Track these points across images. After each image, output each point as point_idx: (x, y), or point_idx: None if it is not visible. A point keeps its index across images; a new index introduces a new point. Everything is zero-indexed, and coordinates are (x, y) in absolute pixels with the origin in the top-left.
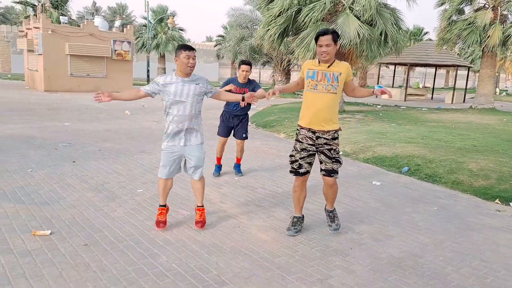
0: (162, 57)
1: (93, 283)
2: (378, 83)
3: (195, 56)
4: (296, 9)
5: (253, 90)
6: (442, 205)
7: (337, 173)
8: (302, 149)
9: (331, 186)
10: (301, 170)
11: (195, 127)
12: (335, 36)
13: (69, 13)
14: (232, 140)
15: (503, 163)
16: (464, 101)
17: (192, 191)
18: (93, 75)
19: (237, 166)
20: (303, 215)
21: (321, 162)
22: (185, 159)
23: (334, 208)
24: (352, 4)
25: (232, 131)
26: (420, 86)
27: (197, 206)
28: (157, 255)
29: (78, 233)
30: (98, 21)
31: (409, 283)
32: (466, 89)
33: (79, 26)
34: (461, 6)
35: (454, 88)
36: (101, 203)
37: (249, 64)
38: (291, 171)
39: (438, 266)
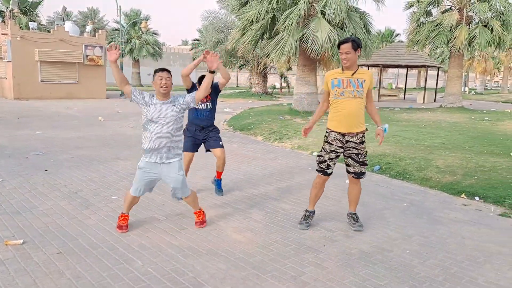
0: (137, 61)
1: None
2: None
3: (168, 77)
4: (271, 15)
5: (216, 87)
6: (411, 201)
7: (365, 174)
8: (332, 151)
9: (357, 184)
10: (329, 171)
11: (172, 145)
12: (355, 44)
13: (38, 18)
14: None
15: (469, 159)
16: (435, 101)
17: (167, 197)
18: (65, 81)
19: (218, 182)
20: (315, 210)
21: (348, 165)
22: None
23: (355, 212)
24: (324, 7)
25: (201, 146)
26: (393, 86)
27: (194, 212)
28: (132, 260)
29: (52, 242)
30: (68, 26)
31: (377, 276)
32: (436, 88)
33: (49, 31)
34: (428, 8)
35: (425, 88)
36: (75, 211)
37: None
38: (319, 171)
39: (405, 259)
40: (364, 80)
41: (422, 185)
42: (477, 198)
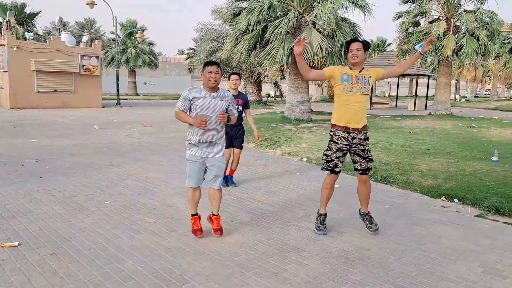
0: (133, 71)
1: (61, 287)
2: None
3: (217, 71)
4: (263, 26)
5: (246, 104)
6: (393, 204)
7: (371, 170)
8: (338, 149)
9: (365, 182)
10: (337, 169)
11: (217, 141)
12: (366, 44)
13: (35, 29)
14: None
15: (451, 163)
16: (425, 108)
17: (158, 201)
18: (61, 91)
19: (230, 178)
20: (326, 212)
21: (355, 162)
22: (206, 169)
23: (369, 211)
24: (314, 18)
25: (230, 141)
26: (386, 94)
27: (213, 215)
28: (123, 260)
29: (46, 244)
30: (65, 36)
31: (355, 272)
32: (427, 96)
33: (45, 42)
34: (416, 19)
35: (415, 96)
36: (68, 215)
37: (237, 73)
38: (326, 169)
39: (382, 257)
40: (370, 77)
41: (405, 188)
42: (456, 200)
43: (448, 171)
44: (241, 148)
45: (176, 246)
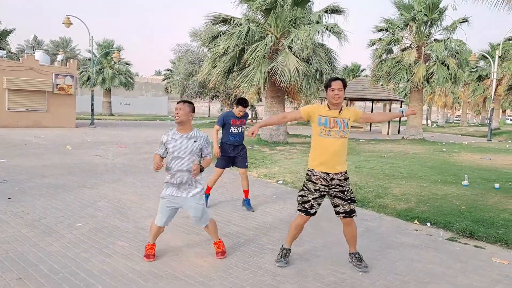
0: (108, 91)
1: None
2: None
3: (181, 108)
4: (240, 48)
5: (246, 117)
6: (367, 227)
7: (355, 212)
8: (316, 190)
9: (350, 224)
10: (312, 211)
11: (192, 182)
12: (344, 82)
13: (8, 46)
14: None
15: (423, 187)
16: (399, 133)
17: (131, 223)
18: (33, 110)
19: (247, 202)
20: (291, 248)
21: (336, 206)
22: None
23: (357, 251)
24: (291, 43)
25: (232, 161)
26: None
27: (214, 242)
28: (93, 285)
29: (11, 268)
30: (39, 55)
31: None
32: (400, 121)
33: (19, 60)
34: (389, 46)
35: (389, 121)
36: (37, 238)
37: (245, 106)
38: (301, 211)
39: (357, 280)
40: (349, 119)
41: (379, 212)
42: (428, 223)
43: (420, 194)
44: (246, 167)
45: (149, 271)
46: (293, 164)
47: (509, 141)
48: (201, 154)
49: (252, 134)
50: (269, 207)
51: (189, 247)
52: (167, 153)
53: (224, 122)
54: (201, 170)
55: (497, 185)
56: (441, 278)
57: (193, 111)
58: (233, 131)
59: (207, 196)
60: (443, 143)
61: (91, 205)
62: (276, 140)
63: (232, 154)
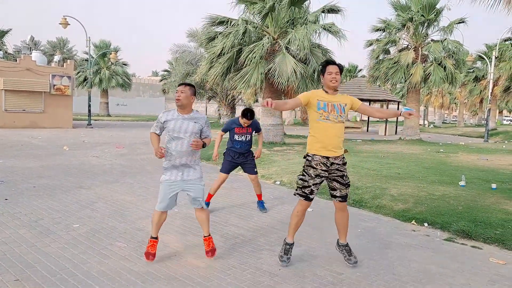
0: (105, 91)
1: None
2: None
3: (182, 90)
4: (237, 49)
5: (257, 128)
6: (365, 228)
7: (348, 196)
8: (316, 175)
9: (344, 210)
10: (312, 196)
11: (192, 164)
12: (341, 68)
13: (4, 47)
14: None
15: (420, 188)
16: (395, 133)
17: (129, 224)
18: (30, 110)
19: (261, 204)
20: (293, 242)
21: (334, 189)
22: (186, 192)
23: (347, 242)
24: (288, 44)
25: (238, 167)
26: (358, 119)
27: (204, 236)
28: (90, 286)
29: (9, 269)
30: (35, 55)
31: None
32: (397, 122)
33: (15, 60)
34: (387, 47)
35: (386, 121)
36: (34, 239)
37: (250, 119)
38: (301, 195)
39: (354, 281)
40: (346, 104)
41: (376, 212)
42: (426, 224)
43: (418, 195)
44: (255, 173)
45: (147, 271)
46: (290, 165)
47: (506, 142)
48: (201, 135)
49: (267, 104)
50: (267, 208)
51: (187, 248)
52: (161, 131)
53: (228, 129)
54: (203, 146)
55: (494, 186)
56: (438, 278)
57: (194, 94)
58: (237, 139)
59: (207, 203)
60: (440, 143)
61: (88, 206)
62: (273, 140)
63: (239, 161)
